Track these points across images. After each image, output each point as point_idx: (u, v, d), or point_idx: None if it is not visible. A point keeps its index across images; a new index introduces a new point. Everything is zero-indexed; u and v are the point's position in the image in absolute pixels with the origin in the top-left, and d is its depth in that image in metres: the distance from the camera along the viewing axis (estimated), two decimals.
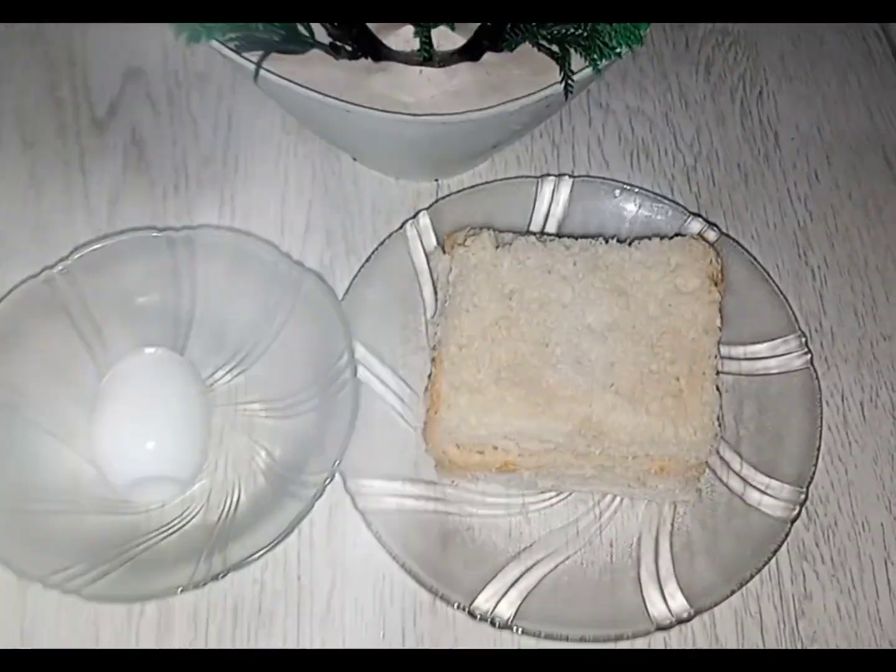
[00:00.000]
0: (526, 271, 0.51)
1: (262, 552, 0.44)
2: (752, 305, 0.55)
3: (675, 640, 0.49)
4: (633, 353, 0.48)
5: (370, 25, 0.52)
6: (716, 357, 0.48)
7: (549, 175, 0.58)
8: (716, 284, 0.50)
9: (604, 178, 0.59)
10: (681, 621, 0.47)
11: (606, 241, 0.52)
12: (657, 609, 0.47)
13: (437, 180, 0.62)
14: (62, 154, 0.62)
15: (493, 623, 0.46)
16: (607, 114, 0.65)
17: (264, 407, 0.53)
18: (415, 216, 0.56)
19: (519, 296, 0.50)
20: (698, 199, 0.62)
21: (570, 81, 0.51)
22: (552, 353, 0.48)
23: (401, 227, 0.56)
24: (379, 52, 0.54)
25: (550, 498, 0.52)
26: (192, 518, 0.50)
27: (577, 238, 0.52)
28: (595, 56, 0.51)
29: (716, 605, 0.47)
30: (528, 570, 0.49)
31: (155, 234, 0.51)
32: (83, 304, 0.51)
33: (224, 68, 0.65)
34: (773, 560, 0.49)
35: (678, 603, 0.47)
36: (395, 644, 0.48)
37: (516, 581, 0.48)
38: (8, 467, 0.48)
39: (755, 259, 0.56)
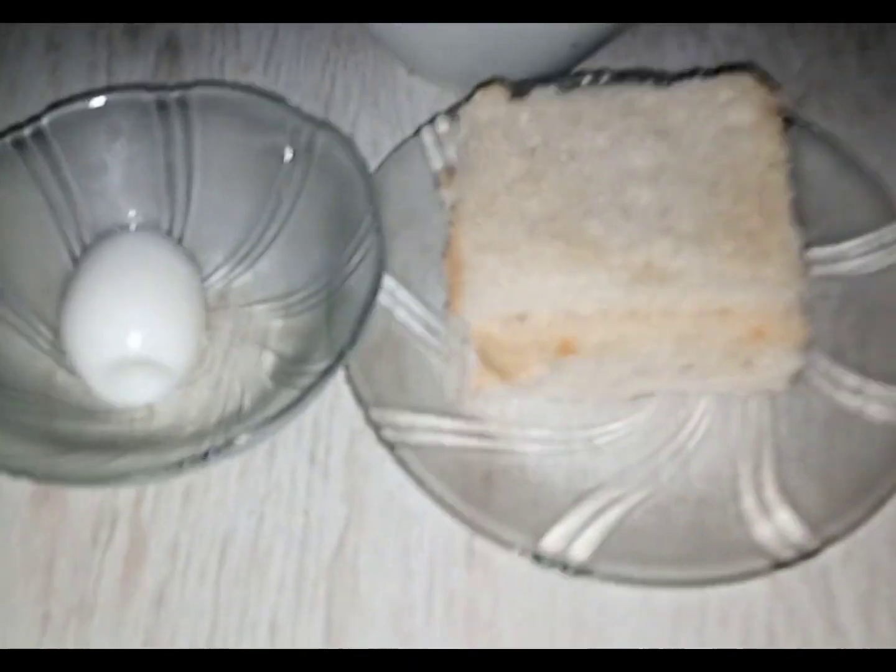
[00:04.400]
0: (549, 122, 0.43)
1: (252, 433, 0.35)
2: (835, 196, 0.45)
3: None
4: (690, 195, 0.40)
5: None
6: (789, 192, 0.40)
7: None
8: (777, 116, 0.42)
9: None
10: (805, 555, 0.36)
11: (641, 80, 0.44)
12: (769, 540, 0.36)
13: None
14: (89, 56, 0.56)
15: (564, 568, 0.36)
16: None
17: (274, 307, 0.44)
18: (431, 120, 0.47)
19: (544, 149, 0.42)
20: None
21: None
22: (594, 202, 0.40)
23: (416, 134, 0.47)
24: None
25: (619, 431, 0.42)
26: (185, 431, 0.41)
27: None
28: None
29: (849, 530, 0.36)
30: (600, 510, 0.39)
31: (144, 95, 0.43)
32: (57, 173, 0.42)
33: None
34: None
35: (796, 532, 0.36)
36: (416, 597, 0.38)
37: (589, 522, 0.38)
38: None
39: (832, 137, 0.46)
